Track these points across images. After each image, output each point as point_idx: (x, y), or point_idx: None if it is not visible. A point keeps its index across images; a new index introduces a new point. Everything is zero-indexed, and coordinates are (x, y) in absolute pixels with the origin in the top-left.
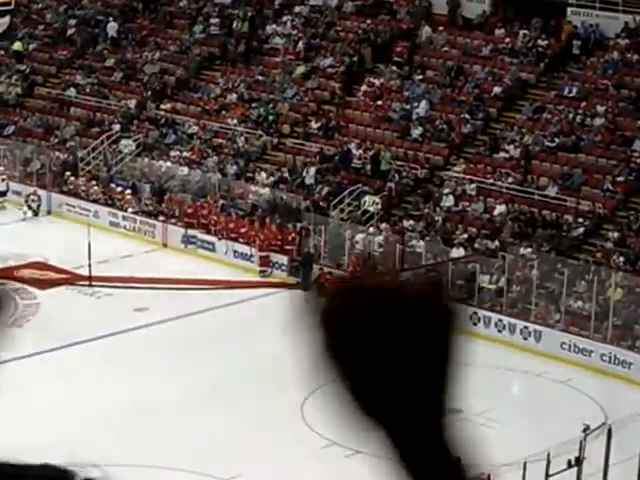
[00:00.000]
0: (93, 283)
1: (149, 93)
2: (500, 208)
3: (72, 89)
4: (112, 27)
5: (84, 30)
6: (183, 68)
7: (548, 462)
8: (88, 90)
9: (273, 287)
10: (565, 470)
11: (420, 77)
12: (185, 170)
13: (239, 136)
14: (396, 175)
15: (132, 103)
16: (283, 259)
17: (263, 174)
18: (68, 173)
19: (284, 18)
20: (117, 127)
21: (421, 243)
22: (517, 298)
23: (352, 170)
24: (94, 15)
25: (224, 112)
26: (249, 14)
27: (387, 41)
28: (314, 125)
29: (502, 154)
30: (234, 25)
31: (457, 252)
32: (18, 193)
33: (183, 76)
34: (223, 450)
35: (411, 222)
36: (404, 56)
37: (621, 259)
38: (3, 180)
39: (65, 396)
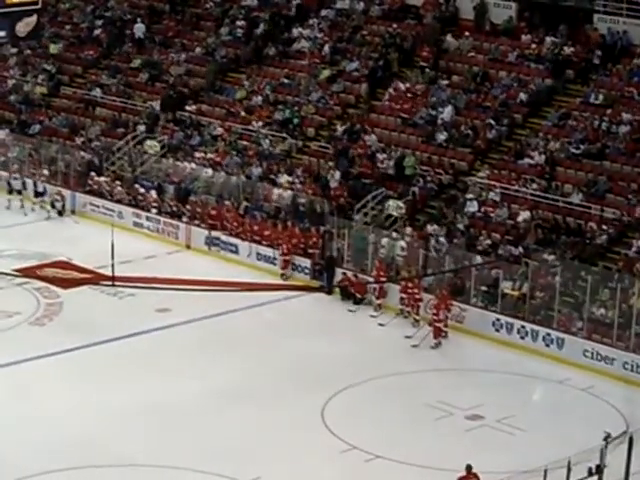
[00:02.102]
0: (116, 283)
1: (159, 103)
2: (524, 214)
3: (98, 89)
4: (139, 28)
5: (110, 31)
6: (202, 74)
7: (569, 470)
8: (114, 90)
9: (296, 290)
10: (586, 478)
11: (446, 82)
12: (209, 172)
13: (264, 139)
14: (420, 180)
15: (157, 104)
16: (306, 262)
17: (286, 176)
18: (93, 173)
19: (310, 21)
20: (142, 128)
21: (443, 240)
22: (540, 305)
23: (376, 174)
24: (121, 16)
25: (249, 114)
26: (275, 17)
27: (413, 46)
28: (339, 128)
29: (527, 160)
30: (260, 28)
31: (479, 259)
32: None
33: (198, 85)
34: (243, 452)
35: (435, 227)
36: (430, 61)
37: None
38: (42, 182)
39: (86, 395)
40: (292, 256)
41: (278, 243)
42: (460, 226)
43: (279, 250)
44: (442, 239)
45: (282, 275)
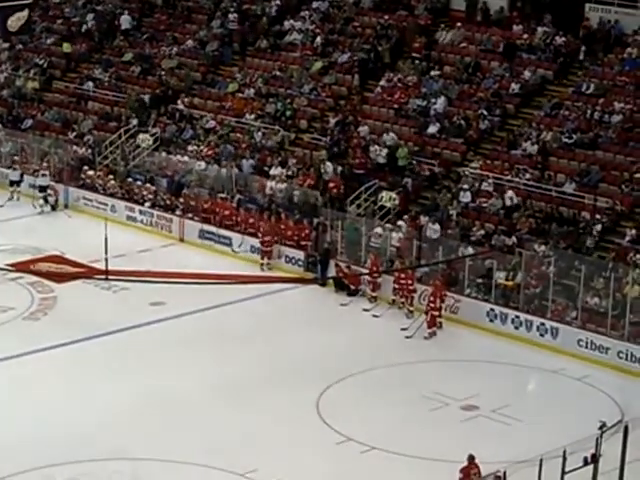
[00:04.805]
0: (110, 277)
1: (149, 98)
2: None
3: (90, 83)
4: (126, 19)
5: (102, 24)
6: (195, 67)
7: (564, 459)
8: (106, 84)
9: (290, 282)
10: (581, 467)
11: (438, 73)
12: (202, 165)
13: (256, 131)
14: (413, 171)
15: (146, 98)
16: (300, 254)
17: (279, 169)
18: (86, 167)
19: (302, 13)
20: (134, 121)
21: (437, 227)
22: (534, 295)
23: (369, 165)
24: (112, 10)
25: (241, 107)
26: (267, 9)
27: (404, 37)
28: (331, 120)
29: (520, 150)
30: (252, 20)
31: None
32: (35, 187)
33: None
34: (239, 445)
35: (427, 218)
36: (422, 52)
37: (638, 256)
38: (44, 175)
39: (81, 390)
40: (274, 246)
41: (261, 234)
42: (453, 213)
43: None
44: (436, 225)
45: (261, 265)
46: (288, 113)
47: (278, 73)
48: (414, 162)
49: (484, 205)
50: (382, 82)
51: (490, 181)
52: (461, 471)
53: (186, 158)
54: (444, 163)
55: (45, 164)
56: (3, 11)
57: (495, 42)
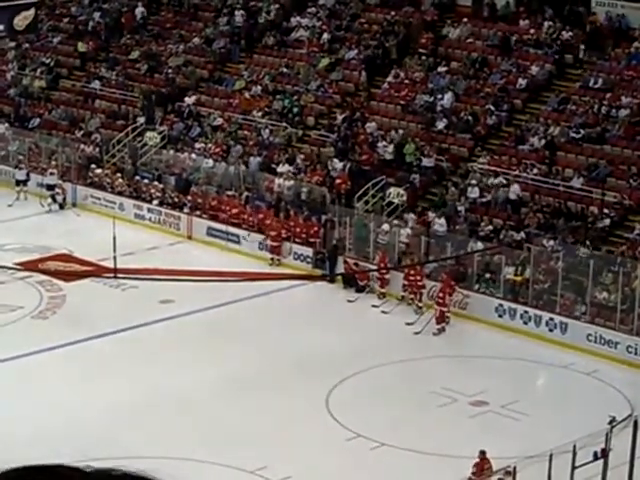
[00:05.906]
0: (118, 275)
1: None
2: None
3: (97, 81)
4: (140, 11)
5: (109, 23)
6: (202, 64)
7: (574, 454)
8: (113, 82)
9: (298, 279)
10: (591, 462)
11: (445, 69)
12: (210, 162)
13: (264, 128)
14: (421, 167)
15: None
16: (308, 251)
17: (287, 166)
18: (93, 166)
19: (309, 10)
20: (142, 119)
21: (442, 221)
22: (543, 290)
23: (376, 162)
24: (119, 8)
25: (249, 104)
26: (273, 6)
27: (412, 33)
28: (339, 117)
29: (527, 146)
30: (259, 18)
31: (481, 245)
32: (43, 185)
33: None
34: (248, 442)
35: (435, 215)
36: (429, 48)
37: None
38: (52, 174)
39: (90, 388)
40: (283, 242)
41: (269, 230)
42: (461, 209)
43: (267, 236)
44: (442, 220)
45: (271, 260)
46: (295, 110)
47: (285, 70)
48: (423, 147)
49: (487, 199)
50: (389, 78)
51: (500, 178)
52: (474, 466)
53: (194, 156)
54: (452, 159)
55: (53, 163)
56: (10, 10)
57: (501, 38)
